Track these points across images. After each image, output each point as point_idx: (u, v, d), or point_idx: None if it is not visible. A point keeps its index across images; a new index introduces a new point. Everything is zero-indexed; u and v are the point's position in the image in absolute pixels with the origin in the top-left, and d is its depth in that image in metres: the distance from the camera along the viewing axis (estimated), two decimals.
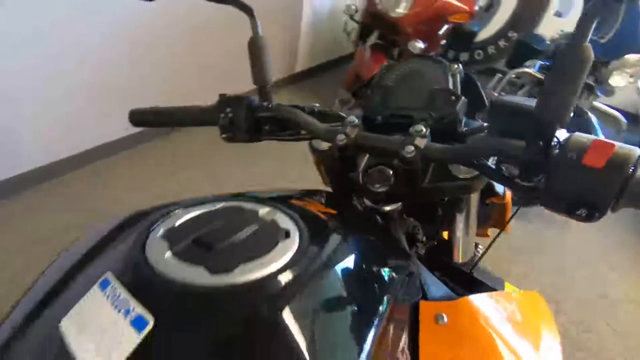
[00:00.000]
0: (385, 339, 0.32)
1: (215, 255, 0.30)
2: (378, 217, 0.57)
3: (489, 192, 0.60)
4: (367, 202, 0.58)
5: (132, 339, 0.23)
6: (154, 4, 0.54)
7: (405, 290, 0.39)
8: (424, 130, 0.47)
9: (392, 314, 0.34)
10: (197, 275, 0.27)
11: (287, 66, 3.01)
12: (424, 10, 2.37)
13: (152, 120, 0.61)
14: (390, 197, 0.53)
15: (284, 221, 0.36)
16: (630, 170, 0.31)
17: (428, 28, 2.46)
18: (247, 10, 0.54)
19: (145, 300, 0.25)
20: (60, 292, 0.28)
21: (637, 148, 0.33)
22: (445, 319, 0.39)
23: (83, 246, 0.33)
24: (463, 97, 0.53)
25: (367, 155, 0.55)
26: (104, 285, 0.26)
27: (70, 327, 0.25)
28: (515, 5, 3.75)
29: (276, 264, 0.29)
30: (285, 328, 0.25)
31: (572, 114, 0.35)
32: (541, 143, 0.36)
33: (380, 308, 0.33)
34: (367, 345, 0.28)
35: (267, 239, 0.32)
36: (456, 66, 0.57)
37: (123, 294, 0.25)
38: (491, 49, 3.85)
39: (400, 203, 0.57)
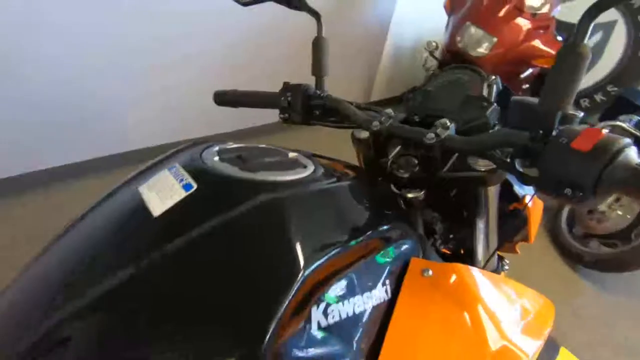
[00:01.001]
0: (369, 269, 0.38)
1: (248, 163, 0.40)
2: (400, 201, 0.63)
3: (510, 196, 0.62)
4: (393, 189, 0.64)
5: (181, 194, 0.35)
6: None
7: (399, 244, 0.45)
8: (448, 123, 0.53)
9: (381, 253, 0.40)
10: (230, 170, 0.38)
11: (363, 94, 3.16)
12: (507, 51, 2.34)
13: (231, 101, 0.75)
14: (412, 182, 0.58)
15: (306, 160, 0.45)
16: (612, 155, 0.35)
17: (510, 70, 2.43)
18: (316, 15, 0.66)
19: (194, 176, 0.36)
20: (144, 174, 0.40)
21: (626, 138, 0.36)
22: (430, 272, 0.43)
23: (162, 154, 0.46)
24: (495, 105, 0.58)
25: (399, 147, 0.62)
26: (171, 169, 0.38)
27: (146, 190, 0.37)
28: (620, 58, 3.49)
29: (287, 177, 0.39)
30: (278, 217, 0.34)
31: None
32: (541, 132, 0.40)
33: (368, 242, 0.39)
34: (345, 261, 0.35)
35: (287, 165, 0.42)
36: (493, 77, 0.62)
37: (182, 172, 0.37)
38: (585, 102, 3.60)
39: (422, 192, 0.62)
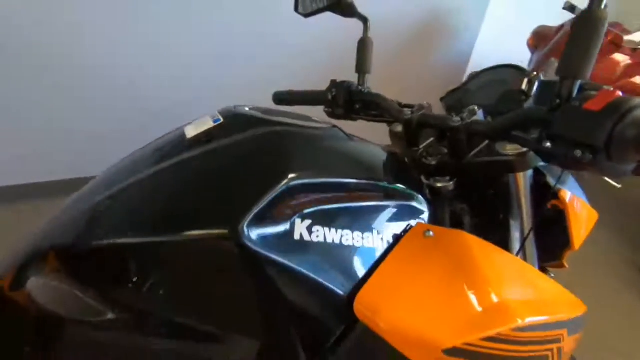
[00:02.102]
0: (368, 213, 0.41)
1: (274, 113, 0.47)
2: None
3: (546, 190, 0.58)
4: (423, 179, 0.65)
5: (210, 125, 0.43)
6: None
7: (407, 207, 0.46)
8: (476, 109, 0.55)
9: (385, 206, 0.43)
10: (255, 113, 0.45)
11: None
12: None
13: (287, 99, 0.85)
14: (440, 169, 0.59)
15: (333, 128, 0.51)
16: (624, 112, 0.34)
17: None
18: (364, 19, 0.73)
19: (224, 115, 0.45)
20: (192, 121, 0.50)
21: (638, 98, 0.35)
22: (432, 233, 0.44)
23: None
24: (532, 99, 0.58)
25: (432, 139, 0.64)
26: (213, 115, 0.46)
27: (188, 127, 0.45)
28: None
29: (305, 124, 0.45)
30: (280, 139, 0.40)
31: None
32: (558, 101, 0.40)
33: (372, 191, 0.42)
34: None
35: (312, 122, 0.49)
36: (535, 73, 0.62)
37: (217, 115, 0.45)
38: None
39: (451, 182, 0.62)
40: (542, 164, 0.61)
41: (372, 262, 0.41)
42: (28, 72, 1.68)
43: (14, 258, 0.38)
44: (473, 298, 0.37)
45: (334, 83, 0.77)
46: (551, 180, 0.58)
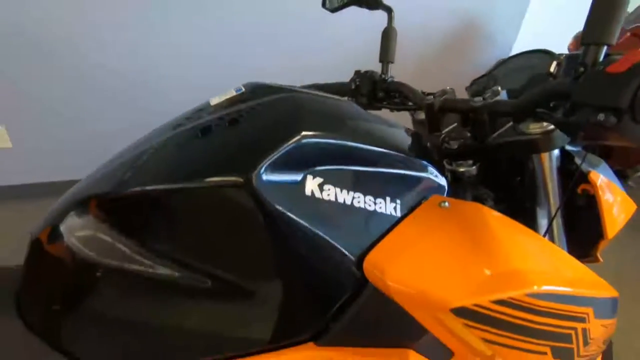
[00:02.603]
0: (382, 179, 0.42)
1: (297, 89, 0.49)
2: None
3: (575, 173, 0.56)
4: (445, 164, 0.64)
5: (232, 94, 0.45)
6: None
7: (423, 180, 0.46)
8: (500, 89, 0.54)
9: (401, 175, 0.43)
10: (277, 85, 0.47)
11: None
12: None
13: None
14: (462, 153, 0.59)
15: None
16: None
17: None
18: (388, 10, 0.74)
19: (246, 86, 0.47)
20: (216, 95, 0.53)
21: None
22: (447, 204, 0.43)
23: None
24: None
25: (455, 125, 0.64)
26: (236, 87, 0.49)
27: (213, 98, 0.48)
28: None
29: (328, 94, 0.46)
30: (296, 103, 0.42)
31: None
32: (582, 69, 0.39)
33: (387, 158, 0.43)
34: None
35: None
36: (563, 56, 0.60)
37: (241, 86, 0.47)
38: None
39: (474, 166, 0.61)
40: (572, 148, 0.59)
41: (383, 228, 0.41)
42: (52, 71, 1.81)
43: (51, 213, 0.42)
44: (486, 262, 0.36)
45: (358, 73, 0.78)
46: (584, 166, 0.55)
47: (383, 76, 0.75)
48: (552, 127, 0.51)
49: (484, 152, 0.57)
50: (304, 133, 0.37)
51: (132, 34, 1.84)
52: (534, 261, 0.39)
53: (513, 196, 0.60)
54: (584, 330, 0.42)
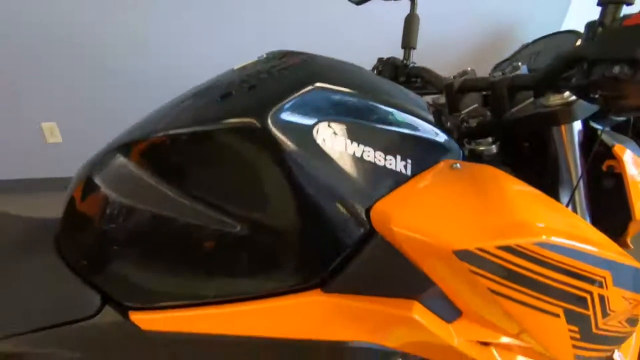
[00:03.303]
0: (392, 137, 0.43)
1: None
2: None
3: (599, 148, 0.54)
4: (465, 144, 0.64)
5: (255, 59, 0.48)
6: None
7: (436, 150, 0.47)
8: (520, 64, 0.54)
9: (411, 136, 0.44)
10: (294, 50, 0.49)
11: None
12: None
13: None
14: (481, 131, 0.59)
15: None
16: None
17: None
18: None
19: (269, 53, 0.50)
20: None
21: None
22: (459, 166, 0.43)
23: None
24: None
25: (475, 106, 0.64)
26: (259, 56, 0.52)
27: (237, 65, 0.51)
28: None
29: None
30: (313, 60, 0.44)
31: None
32: (600, 29, 0.39)
33: (399, 118, 0.44)
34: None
35: None
36: None
37: (265, 55, 0.50)
38: None
39: (493, 145, 0.60)
40: (599, 127, 0.57)
41: (392, 184, 0.41)
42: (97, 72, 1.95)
43: (85, 166, 0.46)
44: (494, 210, 0.36)
45: (380, 60, 0.80)
46: (606, 138, 0.53)
47: (405, 62, 0.76)
48: (572, 98, 0.50)
49: (503, 129, 0.56)
50: (318, 84, 0.39)
51: (175, 35, 1.96)
52: (546, 215, 0.38)
53: (534, 174, 0.59)
54: (601, 297, 0.40)
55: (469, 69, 0.65)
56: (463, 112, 0.63)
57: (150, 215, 0.41)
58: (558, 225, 0.38)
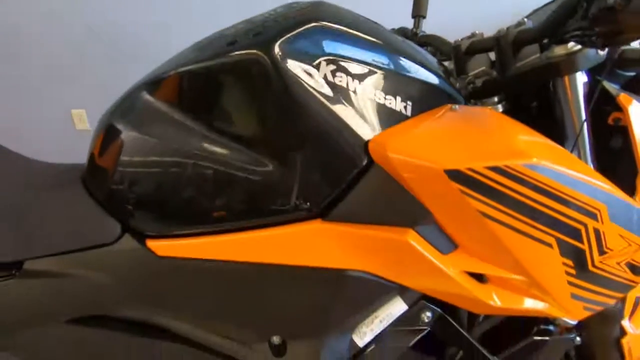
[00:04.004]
0: (394, 78, 0.45)
1: None
2: None
3: (604, 101, 0.54)
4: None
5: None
6: None
7: (438, 95, 0.48)
8: (525, 19, 0.55)
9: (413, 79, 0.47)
10: None
11: None
12: None
13: None
14: (487, 89, 0.60)
15: None
16: None
17: None
18: None
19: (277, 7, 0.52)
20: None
21: None
22: (457, 107, 0.45)
23: None
24: None
25: (483, 68, 0.65)
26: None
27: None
28: None
29: None
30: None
31: None
32: None
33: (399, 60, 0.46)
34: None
35: None
36: None
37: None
38: None
39: (499, 105, 0.61)
40: (610, 83, 0.57)
41: (391, 122, 0.43)
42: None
43: (106, 112, 0.51)
44: (487, 135, 0.38)
45: (392, 30, 0.82)
46: (610, 89, 0.53)
47: (415, 30, 0.78)
48: (576, 48, 0.50)
49: (508, 85, 0.57)
50: (323, 23, 0.41)
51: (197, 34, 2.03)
52: (540, 145, 0.39)
53: (539, 131, 0.59)
54: (596, 231, 0.41)
55: (477, 32, 0.66)
56: (470, 74, 0.64)
57: (168, 149, 0.44)
58: (552, 154, 0.39)
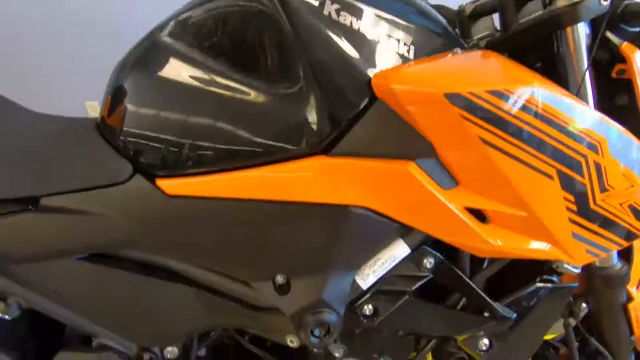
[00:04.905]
0: None
1: None
2: None
3: (606, 53, 0.54)
4: None
5: None
6: None
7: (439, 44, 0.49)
8: None
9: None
10: None
11: None
12: None
13: None
14: (490, 48, 0.61)
15: None
16: None
17: None
18: None
19: None
20: None
21: None
22: (459, 51, 0.46)
23: None
24: None
25: (487, 32, 0.66)
26: None
27: None
28: None
29: None
30: None
31: None
32: None
33: None
34: None
35: None
36: None
37: None
38: None
39: None
40: (614, 36, 0.57)
41: (393, 63, 0.44)
42: None
43: (120, 61, 0.53)
44: (490, 67, 0.38)
45: None
46: (614, 39, 0.53)
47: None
48: None
49: (512, 41, 0.58)
50: None
51: None
52: (542, 78, 0.39)
53: None
54: (597, 165, 0.41)
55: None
56: (475, 37, 0.65)
57: (177, 88, 0.46)
58: (553, 86, 0.39)
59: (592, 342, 0.67)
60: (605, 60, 0.55)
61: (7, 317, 0.48)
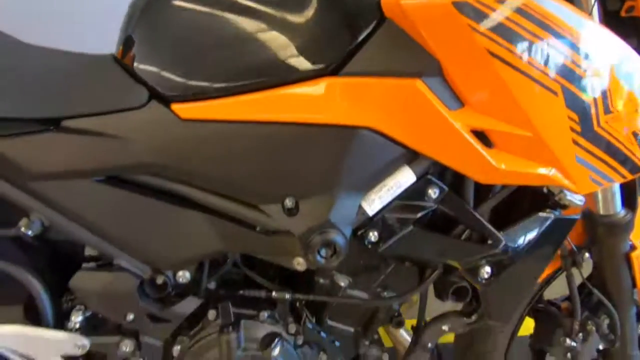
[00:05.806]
0: None
1: None
2: None
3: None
4: None
5: None
6: None
7: None
8: None
9: None
10: None
11: None
12: None
13: None
14: None
15: None
16: None
17: None
18: None
19: None
20: None
21: None
22: None
23: None
24: None
25: None
26: None
27: None
28: None
29: None
30: None
31: None
32: None
33: None
34: None
35: None
36: None
37: None
38: None
39: None
40: None
41: None
42: None
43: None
44: None
45: None
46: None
47: None
48: None
49: None
50: None
51: None
52: None
53: None
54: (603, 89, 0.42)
55: None
56: None
57: (191, 12, 0.48)
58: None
59: (595, 294, 0.67)
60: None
61: (30, 232, 0.51)
